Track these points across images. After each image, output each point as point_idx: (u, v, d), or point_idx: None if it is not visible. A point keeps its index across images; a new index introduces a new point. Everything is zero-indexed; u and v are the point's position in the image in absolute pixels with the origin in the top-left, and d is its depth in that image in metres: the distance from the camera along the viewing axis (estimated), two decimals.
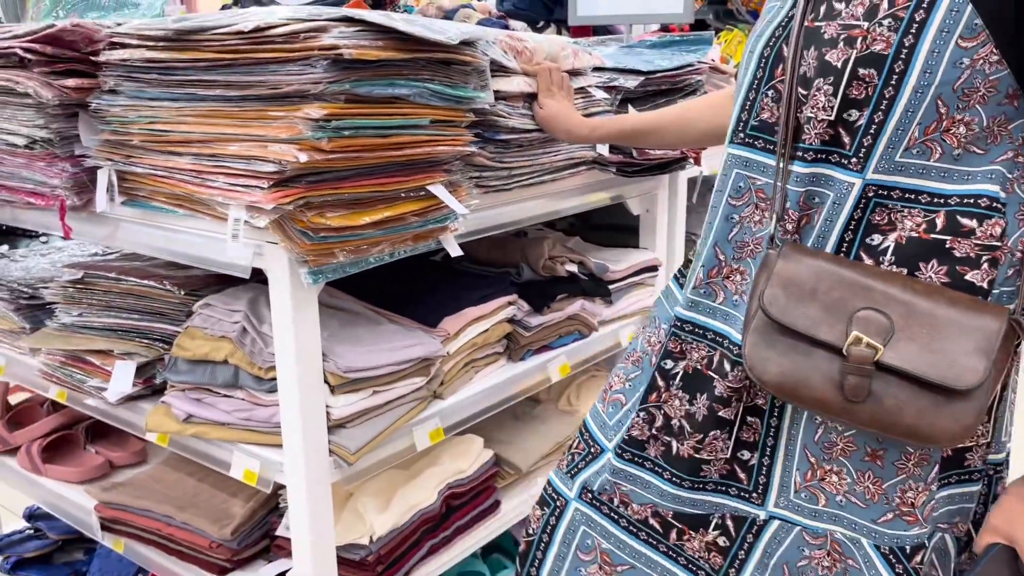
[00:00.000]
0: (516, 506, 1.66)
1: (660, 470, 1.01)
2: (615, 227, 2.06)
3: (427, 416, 1.44)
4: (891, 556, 0.92)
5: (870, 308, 0.83)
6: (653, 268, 1.93)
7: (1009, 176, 0.85)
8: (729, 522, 0.98)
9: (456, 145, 1.27)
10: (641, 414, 1.02)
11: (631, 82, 1.68)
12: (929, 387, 0.81)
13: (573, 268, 1.74)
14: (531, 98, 1.50)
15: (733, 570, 0.99)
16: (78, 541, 1.93)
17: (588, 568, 1.06)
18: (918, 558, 0.92)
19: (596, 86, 1.66)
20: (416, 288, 1.60)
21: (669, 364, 1.01)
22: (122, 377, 1.41)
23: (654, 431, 1.01)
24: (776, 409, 0.94)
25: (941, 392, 0.81)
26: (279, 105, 1.10)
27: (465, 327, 1.51)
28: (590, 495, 1.06)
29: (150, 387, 1.46)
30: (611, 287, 1.81)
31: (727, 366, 0.96)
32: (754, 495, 0.97)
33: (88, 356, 1.48)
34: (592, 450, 1.08)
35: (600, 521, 1.05)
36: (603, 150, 1.65)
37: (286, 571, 1.43)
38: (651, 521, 1.02)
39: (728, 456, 0.97)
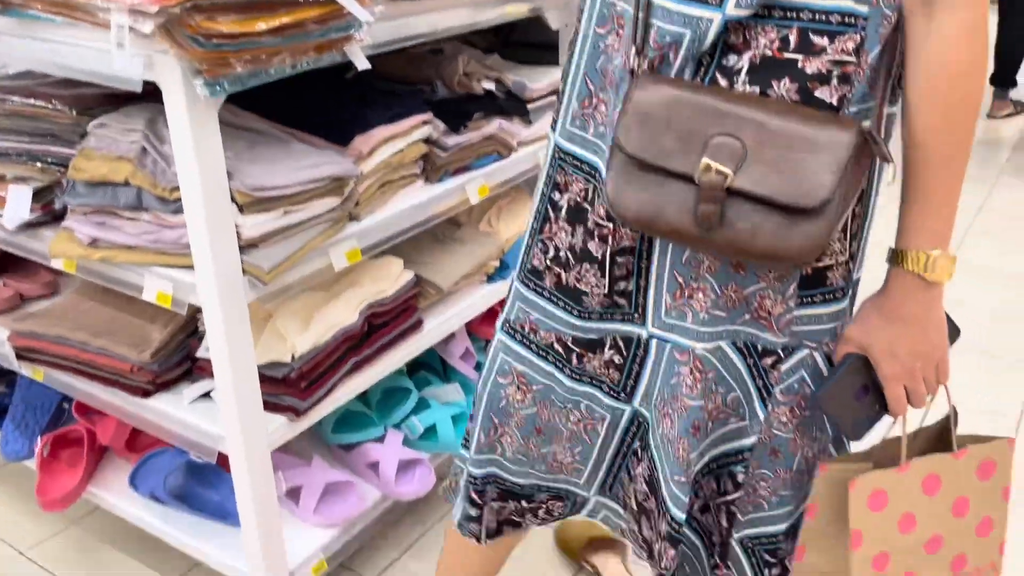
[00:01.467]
0: (439, 324, 1.70)
1: (555, 299, 1.03)
2: (534, 45, 2.00)
3: (343, 237, 1.43)
4: (744, 349, 0.97)
5: (724, 134, 0.82)
6: None
7: None
8: (620, 342, 1.02)
9: None
10: (539, 244, 1.04)
11: None
12: (780, 208, 0.81)
13: (490, 85, 1.69)
14: None
15: (631, 382, 1.04)
16: None
17: (507, 389, 1.10)
18: (769, 360, 0.97)
19: None
20: (326, 107, 1.54)
21: (556, 196, 1.02)
22: (18, 202, 1.35)
23: (548, 262, 1.03)
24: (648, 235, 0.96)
25: (792, 212, 0.80)
26: None
27: (378, 146, 1.48)
28: (508, 325, 1.09)
29: (50, 213, 1.41)
30: (529, 107, 1.78)
31: (599, 198, 0.97)
32: (636, 316, 1.00)
33: None
34: (512, 283, 1.11)
35: (515, 347, 1.09)
36: None
37: (210, 391, 1.46)
38: (556, 346, 1.05)
39: (606, 290, 0.99)
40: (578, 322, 1.02)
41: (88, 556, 1.75)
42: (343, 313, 1.49)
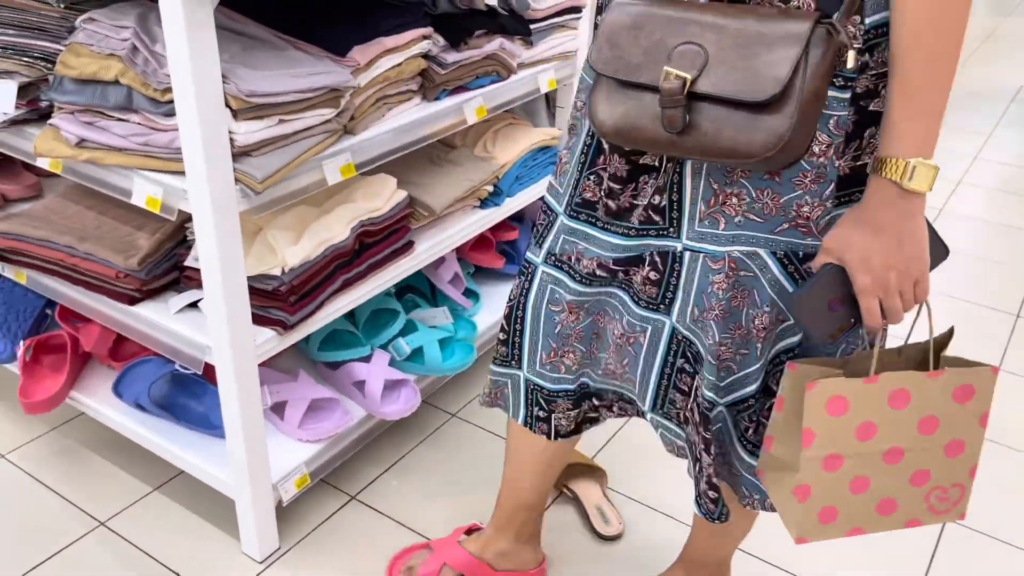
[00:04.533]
0: (429, 247, 1.68)
1: (608, 226, 1.06)
2: None
3: (338, 151, 1.40)
4: (784, 259, 0.97)
5: (686, 43, 0.85)
6: (577, 9, 1.85)
7: None
8: (657, 258, 1.03)
9: None
10: (591, 177, 1.05)
11: None
12: (741, 106, 0.83)
13: (493, 1, 1.64)
14: None
15: (668, 295, 1.05)
16: None
17: (560, 316, 1.15)
18: (811, 264, 0.97)
19: None
20: (324, 16, 1.50)
21: None
22: (2, 97, 1.31)
23: (602, 193, 1.05)
24: None
25: (752, 108, 0.82)
26: None
27: (376, 59, 1.44)
28: (553, 258, 1.12)
29: (36, 111, 1.37)
30: (532, 27, 1.74)
31: None
32: (671, 231, 1.02)
33: None
34: (550, 219, 1.13)
35: (563, 278, 1.12)
36: None
37: (198, 301, 1.44)
38: (598, 272, 1.08)
39: (646, 203, 1.01)
40: (622, 241, 1.05)
41: (70, 461, 1.75)
42: (335, 229, 1.47)
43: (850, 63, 0.84)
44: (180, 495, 1.68)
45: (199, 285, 1.41)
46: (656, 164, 0.99)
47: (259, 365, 1.48)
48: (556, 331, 1.16)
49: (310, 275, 1.43)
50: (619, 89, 0.90)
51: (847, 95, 0.87)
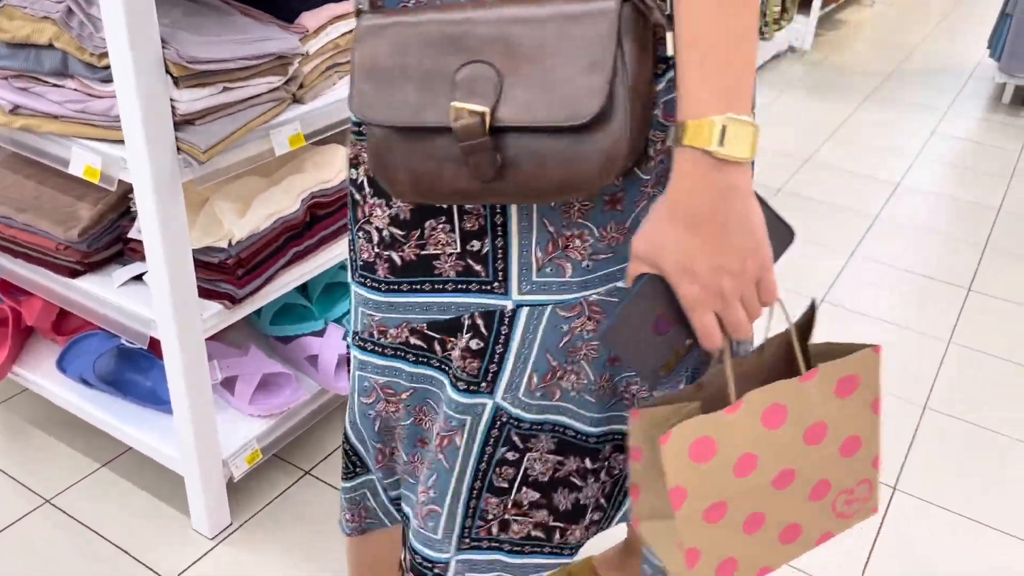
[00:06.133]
0: None
1: (396, 286, 0.86)
2: None
3: (286, 120, 1.37)
4: None
5: (468, 63, 0.66)
6: None
7: None
8: (479, 320, 0.84)
9: None
10: (360, 234, 0.86)
11: None
12: (560, 130, 0.65)
13: None
14: None
15: (494, 366, 0.85)
16: None
17: (376, 408, 0.94)
18: None
19: None
20: None
21: (354, 174, 0.85)
22: None
23: (376, 249, 0.85)
24: None
25: (575, 130, 0.65)
26: None
27: (326, 25, 1.40)
28: (357, 336, 0.92)
29: None
30: None
31: None
32: (495, 285, 0.82)
33: None
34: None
35: (369, 359, 0.91)
36: None
37: (143, 274, 1.41)
38: (412, 340, 0.87)
39: (459, 250, 0.81)
40: (430, 299, 0.84)
41: (15, 438, 1.71)
42: (284, 201, 1.44)
43: (670, 49, 0.66)
44: (128, 471, 1.65)
45: (143, 258, 1.38)
46: (446, 207, 0.80)
47: (208, 339, 1.46)
48: (376, 428, 0.95)
49: (259, 247, 1.40)
50: (402, 137, 0.70)
51: (670, 75, 0.72)
